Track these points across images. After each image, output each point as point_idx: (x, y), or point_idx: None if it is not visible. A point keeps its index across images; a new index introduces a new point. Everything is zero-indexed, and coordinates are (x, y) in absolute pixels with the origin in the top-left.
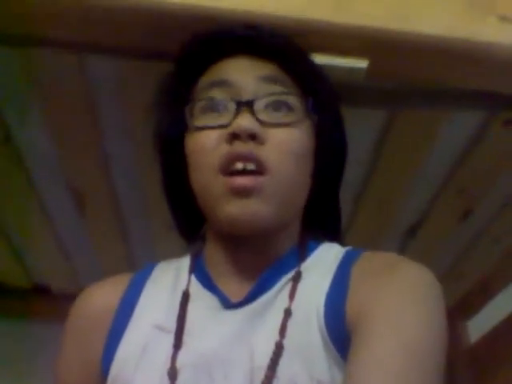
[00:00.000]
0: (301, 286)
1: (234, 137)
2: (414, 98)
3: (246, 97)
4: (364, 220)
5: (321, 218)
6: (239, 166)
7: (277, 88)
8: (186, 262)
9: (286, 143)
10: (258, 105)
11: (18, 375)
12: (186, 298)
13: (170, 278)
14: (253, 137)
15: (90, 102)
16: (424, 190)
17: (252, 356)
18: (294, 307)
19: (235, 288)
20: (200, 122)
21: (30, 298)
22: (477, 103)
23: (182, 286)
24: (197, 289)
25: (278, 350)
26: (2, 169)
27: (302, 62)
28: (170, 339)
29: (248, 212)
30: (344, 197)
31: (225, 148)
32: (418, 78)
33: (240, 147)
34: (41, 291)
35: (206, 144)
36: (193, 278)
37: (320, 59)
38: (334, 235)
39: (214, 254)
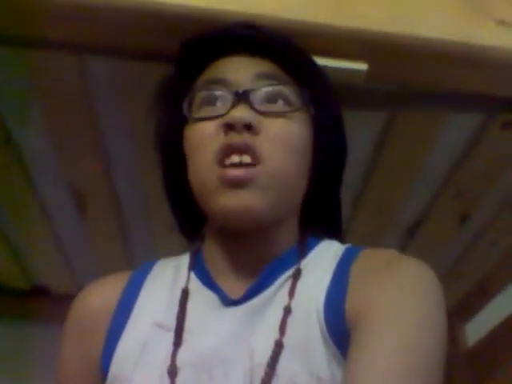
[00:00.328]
0: (300, 284)
1: (229, 127)
2: (413, 100)
3: (242, 89)
4: (363, 221)
5: (321, 215)
6: (235, 159)
7: (273, 82)
8: (185, 259)
9: (281, 134)
10: (255, 96)
11: (17, 376)
12: (185, 295)
13: (169, 276)
14: (248, 127)
15: (89, 102)
16: (423, 192)
17: (252, 354)
18: (293, 305)
19: (235, 285)
20: (198, 114)
21: (29, 299)
22: (475, 106)
23: (182, 284)
24: (196, 286)
25: (278, 347)
26: (3, 170)
27: (299, 60)
28: (169, 337)
29: (242, 204)
30: (343, 198)
31: (221, 139)
32: (417, 80)
33: (235, 138)
34: (40, 292)
35: (204, 135)
36: (192, 275)
37: (320, 62)
38: (334, 233)
39: (213, 250)
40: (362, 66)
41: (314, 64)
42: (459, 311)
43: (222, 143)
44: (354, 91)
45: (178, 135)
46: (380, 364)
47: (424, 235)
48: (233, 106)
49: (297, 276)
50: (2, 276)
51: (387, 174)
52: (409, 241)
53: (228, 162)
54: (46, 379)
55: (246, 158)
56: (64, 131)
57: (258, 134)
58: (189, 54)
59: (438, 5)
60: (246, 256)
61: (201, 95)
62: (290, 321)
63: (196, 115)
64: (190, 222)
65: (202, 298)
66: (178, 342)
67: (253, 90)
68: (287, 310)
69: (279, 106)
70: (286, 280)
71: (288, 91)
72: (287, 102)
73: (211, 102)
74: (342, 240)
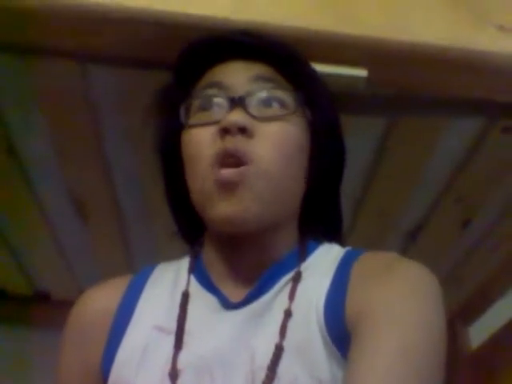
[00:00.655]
0: (301, 287)
1: (225, 132)
2: (413, 106)
3: (238, 94)
4: (364, 226)
5: (320, 219)
6: (230, 160)
7: (269, 85)
8: (185, 262)
9: (276, 136)
10: (250, 101)
11: (18, 381)
12: (185, 298)
13: (169, 279)
14: (242, 130)
15: (92, 110)
16: (424, 197)
17: (253, 357)
18: (293, 308)
19: (235, 288)
20: (195, 120)
21: (30, 305)
22: (475, 111)
23: (182, 287)
24: (196, 289)
25: (278, 351)
26: (4, 176)
27: (295, 63)
28: (170, 340)
29: (238, 209)
30: (344, 204)
31: (217, 144)
32: (416, 86)
33: (229, 142)
34: (41, 298)
35: (200, 142)
36: (192, 278)
37: (321, 68)
38: (334, 236)
39: (212, 254)
40: (362, 72)
41: (309, 68)
42: (462, 315)
43: (218, 148)
44: (353, 97)
45: (177, 141)
46: (380, 366)
47: (425, 240)
48: (229, 111)
49: (297, 279)
50: (3, 282)
51: (388, 179)
52: (410, 246)
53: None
54: None
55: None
56: (66, 138)
57: (253, 137)
58: (186, 61)
59: (438, 11)
60: (246, 260)
61: (197, 101)
62: (291, 324)
63: (192, 121)
64: (191, 226)
65: (202, 302)
66: (178, 345)
67: (248, 95)
68: (287, 313)
69: (275, 109)
70: (286, 283)
71: (284, 94)
72: (283, 105)
73: (207, 108)
74: (342, 243)
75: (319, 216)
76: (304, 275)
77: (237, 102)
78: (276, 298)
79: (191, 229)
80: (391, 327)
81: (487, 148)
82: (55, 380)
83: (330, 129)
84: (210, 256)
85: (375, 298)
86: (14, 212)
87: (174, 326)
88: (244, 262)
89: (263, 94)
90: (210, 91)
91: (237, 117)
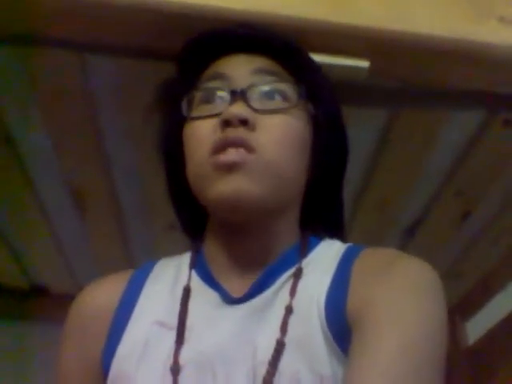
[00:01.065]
0: (302, 283)
1: (226, 123)
2: (414, 98)
3: (240, 87)
4: (364, 219)
5: (322, 214)
6: (231, 151)
7: (271, 78)
8: (186, 258)
9: (278, 128)
10: (252, 94)
11: (16, 376)
12: (187, 293)
13: (170, 274)
14: (244, 122)
15: (90, 102)
16: (424, 190)
17: (254, 352)
18: (294, 304)
19: (236, 284)
20: (197, 112)
21: (28, 299)
22: (477, 103)
23: (183, 282)
24: (198, 284)
25: (279, 347)
26: (2, 169)
27: (296, 56)
28: (171, 335)
29: (235, 189)
30: (344, 196)
31: (218, 135)
32: (417, 77)
33: (230, 133)
34: (39, 292)
35: (202, 133)
36: (193, 273)
37: (322, 59)
38: (336, 232)
39: (214, 249)
40: (363, 63)
41: (311, 61)
42: (460, 309)
43: (218, 138)
44: (355, 89)
45: (179, 134)
46: (381, 363)
47: (425, 233)
48: (230, 103)
49: (298, 275)
50: (1, 276)
51: (389, 171)
52: (410, 239)
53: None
54: (46, 379)
55: (241, 151)
56: (64, 131)
57: (255, 129)
58: (189, 54)
59: (440, 2)
60: (248, 254)
61: (200, 94)
62: (292, 320)
63: (194, 114)
64: (193, 221)
65: (203, 297)
66: (180, 340)
67: (250, 88)
68: (288, 310)
69: (277, 102)
70: (287, 279)
71: (286, 87)
72: (285, 98)
73: (210, 100)
74: (344, 239)
75: (321, 210)
76: (305, 271)
77: (238, 95)
78: (277, 293)
79: (193, 223)
80: (392, 323)
81: (488, 140)
82: (55, 375)
83: (332, 122)
84: (212, 250)
85: (376, 295)
86: (12, 205)
87: (175, 321)
88: (246, 256)
89: (265, 87)
90: (213, 84)
91: (238, 109)
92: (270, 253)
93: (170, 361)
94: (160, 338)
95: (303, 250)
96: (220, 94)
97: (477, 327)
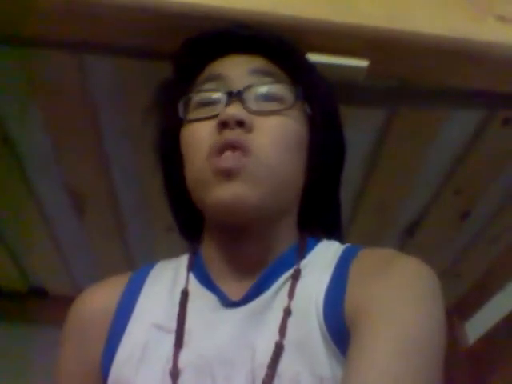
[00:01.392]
0: (300, 284)
1: (223, 125)
2: (413, 97)
3: (237, 88)
4: (363, 219)
5: (319, 215)
6: (228, 154)
7: (267, 79)
8: (184, 260)
9: (274, 130)
10: (248, 95)
11: (15, 378)
12: (185, 296)
13: (168, 277)
14: (240, 124)
15: (89, 102)
16: (423, 189)
17: (253, 355)
18: (293, 305)
19: (234, 286)
20: (194, 115)
21: (26, 301)
22: (476, 102)
23: (181, 285)
24: (196, 287)
25: (278, 349)
26: (0, 170)
27: (292, 57)
28: (170, 338)
29: (234, 193)
30: (343, 197)
31: (215, 137)
32: (417, 77)
33: (228, 135)
34: (38, 294)
35: (199, 135)
36: (191, 276)
37: (321, 59)
38: (334, 233)
39: (211, 251)
40: (363, 62)
41: (307, 61)
42: (459, 309)
43: (215, 140)
44: (354, 88)
45: (176, 137)
46: (379, 363)
47: (424, 233)
48: (227, 105)
49: (296, 277)
50: None
51: (387, 171)
52: (409, 239)
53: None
54: (45, 382)
55: (239, 154)
56: (63, 131)
57: (252, 131)
58: (186, 55)
59: (439, 1)
60: (246, 256)
61: (196, 96)
62: (290, 322)
63: (191, 116)
64: (190, 223)
65: (201, 300)
66: (179, 343)
67: (246, 89)
68: (287, 312)
69: (273, 103)
70: (285, 281)
71: (282, 88)
72: (281, 99)
73: (206, 103)
74: (341, 240)
75: (318, 211)
76: (303, 273)
77: (235, 96)
78: (276, 295)
79: (190, 225)
80: (390, 324)
81: (487, 139)
82: (54, 378)
83: (328, 123)
84: (210, 252)
85: (374, 295)
86: (10, 207)
87: (173, 324)
88: (244, 258)
89: (262, 88)
90: (209, 85)
91: (235, 110)
92: (268, 255)
93: (169, 365)
94: (159, 342)
95: (301, 251)
96: (217, 95)
97: (476, 327)
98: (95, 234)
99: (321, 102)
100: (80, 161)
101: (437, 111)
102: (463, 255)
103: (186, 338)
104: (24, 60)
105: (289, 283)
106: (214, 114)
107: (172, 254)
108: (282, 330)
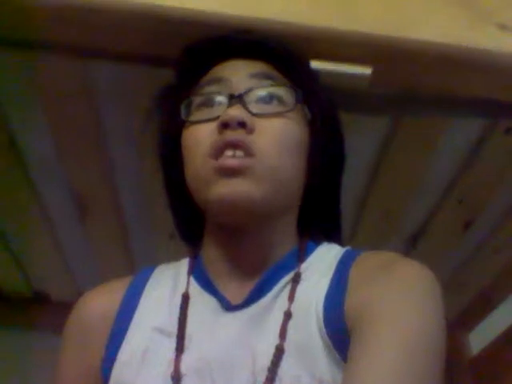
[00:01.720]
0: (300, 288)
1: (224, 126)
2: (416, 105)
3: (238, 91)
4: (366, 228)
5: (320, 218)
6: (229, 153)
7: (268, 82)
8: (184, 264)
9: (275, 131)
10: (249, 98)
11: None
12: (185, 300)
13: (169, 281)
14: (242, 125)
15: (93, 107)
16: (427, 198)
17: (254, 359)
18: (293, 309)
19: (235, 290)
20: (195, 117)
21: (29, 306)
22: (478, 111)
23: (182, 289)
24: (196, 291)
25: (279, 353)
26: (5, 173)
27: (293, 61)
28: (170, 342)
29: (236, 191)
30: (347, 205)
31: (216, 137)
32: (420, 85)
33: (229, 135)
34: (41, 299)
35: (200, 136)
36: (192, 279)
37: (324, 66)
38: (334, 236)
39: (212, 254)
40: (366, 70)
41: (307, 66)
42: (462, 320)
43: (216, 140)
44: (357, 96)
45: (177, 139)
46: (379, 366)
47: (427, 242)
48: (228, 107)
49: (296, 280)
50: (2, 283)
51: (390, 180)
52: (412, 248)
53: (222, 155)
54: None
55: (240, 153)
56: (67, 135)
57: (252, 132)
58: (188, 60)
59: (441, 9)
60: (245, 259)
61: (198, 99)
62: (291, 325)
63: (193, 118)
64: (191, 226)
65: (202, 303)
66: (180, 347)
67: (247, 92)
68: (287, 315)
69: (274, 106)
70: (285, 284)
71: (283, 91)
72: (282, 102)
73: (208, 104)
74: (341, 243)
75: (318, 215)
76: (303, 276)
77: (236, 99)
78: (276, 299)
79: (191, 229)
80: (390, 327)
81: (490, 148)
82: (55, 382)
83: (328, 126)
84: (210, 256)
85: (374, 298)
86: (14, 211)
87: (174, 328)
88: (244, 261)
89: (262, 91)
90: (211, 88)
91: (236, 111)
92: (269, 258)
93: (171, 368)
94: (159, 345)
95: (301, 254)
96: (218, 98)
97: (480, 338)
98: (98, 239)
99: (320, 106)
100: (84, 165)
101: (440, 119)
102: (467, 265)
103: (187, 341)
104: (28, 64)
105: (289, 287)
106: (215, 115)
107: (174, 260)
108: (283, 334)
